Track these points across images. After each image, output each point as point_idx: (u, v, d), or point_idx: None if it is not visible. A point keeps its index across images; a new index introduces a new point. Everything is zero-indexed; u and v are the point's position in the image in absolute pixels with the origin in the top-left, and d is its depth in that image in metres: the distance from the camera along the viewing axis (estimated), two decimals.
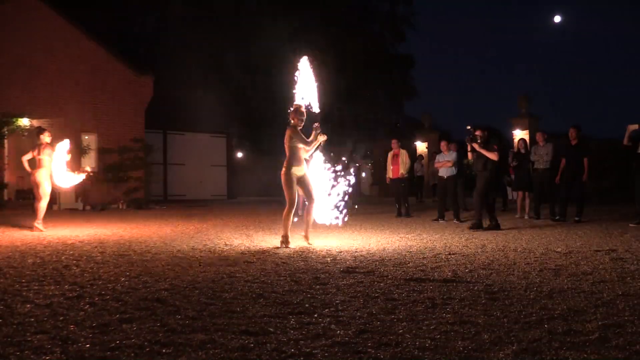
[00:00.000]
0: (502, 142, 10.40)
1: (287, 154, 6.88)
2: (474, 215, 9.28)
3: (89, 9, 21.31)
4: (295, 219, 7.36)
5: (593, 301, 3.75)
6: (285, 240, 6.83)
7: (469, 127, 9.20)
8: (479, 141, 9.04)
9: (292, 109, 6.99)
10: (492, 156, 8.89)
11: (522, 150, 11.64)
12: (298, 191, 7.01)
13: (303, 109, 7.01)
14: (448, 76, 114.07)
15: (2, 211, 13.90)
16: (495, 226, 8.89)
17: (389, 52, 30.01)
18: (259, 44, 25.15)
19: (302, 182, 6.94)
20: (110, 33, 20.78)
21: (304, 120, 6.97)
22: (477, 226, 8.90)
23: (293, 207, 6.85)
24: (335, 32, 25.94)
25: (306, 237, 7.06)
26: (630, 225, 9.06)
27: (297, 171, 6.87)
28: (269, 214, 13.32)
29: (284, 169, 6.87)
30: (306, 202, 7.17)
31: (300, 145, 6.86)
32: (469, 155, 9.47)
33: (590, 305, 3.63)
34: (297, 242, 7.00)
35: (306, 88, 7.21)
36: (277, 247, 6.73)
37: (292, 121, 6.92)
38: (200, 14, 25.69)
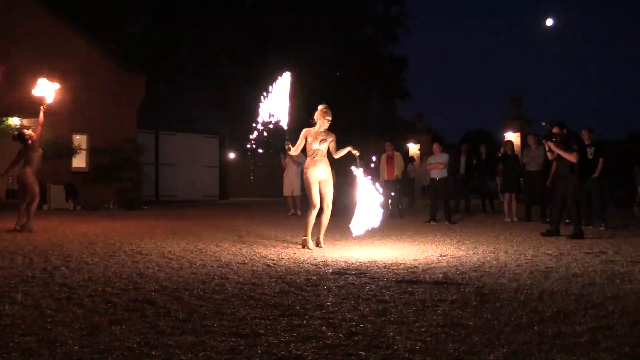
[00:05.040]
0: (580, 141, 9.38)
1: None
2: (573, 226, 8.13)
3: (81, 8, 21.18)
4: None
5: (583, 303, 3.77)
6: (304, 243, 6.77)
7: (544, 124, 8.32)
8: (554, 139, 8.13)
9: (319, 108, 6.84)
10: (570, 157, 8.00)
11: (509, 152, 11.71)
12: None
13: (325, 109, 6.80)
14: (441, 77, 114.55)
15: None
16: (555, 231, 8.14)
17: (382, 54, 30.08)
18: (251, 44, 25.15)
19: (321, 185, 6.77)
20: (102, 32, 20.65)
21: (325, 120, 6.75)
22: (578, 236, 7.82)
23: (313, 208, 6.72)
24: (328, 33, 25.97)
25: (317, 241, 6.91)
26: (540, 233, 8.35)
27: (313, 172, 6.73)
28: (261, 215, 13.31)
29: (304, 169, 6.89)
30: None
31: (314, 147, 6.76)
32: (548, 155, 8.59)
33: (580, 308, 3.64)
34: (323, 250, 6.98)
35: (279, 103, 6.90)
36: (269, 249, 6.72)
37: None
38: (193, 14, 25.63)
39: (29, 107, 15.95)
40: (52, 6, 17.19)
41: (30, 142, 8.97)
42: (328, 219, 6.94)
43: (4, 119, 15.54)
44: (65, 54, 16.87)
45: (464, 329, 3.13)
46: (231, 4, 26.24)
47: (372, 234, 8.48)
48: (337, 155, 6.88)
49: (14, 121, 15.57)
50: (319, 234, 6.98)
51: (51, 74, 16.39)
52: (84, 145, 17.34)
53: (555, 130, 8.22)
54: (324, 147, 6.80)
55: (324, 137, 6.79)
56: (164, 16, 25.85)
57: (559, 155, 8.14)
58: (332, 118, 6.83)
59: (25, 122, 15.38)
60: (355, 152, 6.79)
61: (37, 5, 16.68)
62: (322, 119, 6.78)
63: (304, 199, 7.79)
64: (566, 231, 8.26)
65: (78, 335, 2.99)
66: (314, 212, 6.76)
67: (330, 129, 6.89)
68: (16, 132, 9.39)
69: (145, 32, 26.55)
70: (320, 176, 6.77)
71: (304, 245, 6.78)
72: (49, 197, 15.59)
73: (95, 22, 20.79)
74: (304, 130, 6.86)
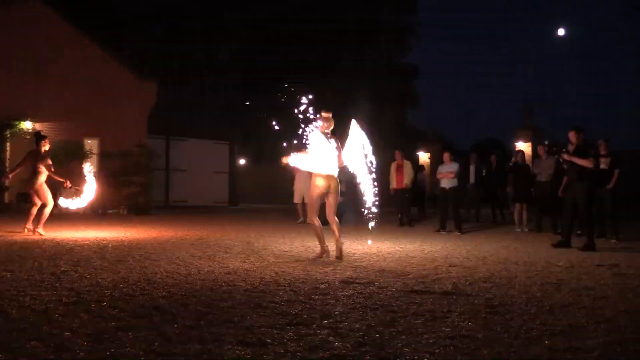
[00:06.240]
0: (596, 149, 9.15)
1: None
2: (585, 237, 8.00)
3: (93, 14, 21.40)
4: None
5: (594, 317, 3.71)
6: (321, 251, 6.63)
7: (546, 143, 8.27)
8: (565, 150, 8.02)
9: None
10: (586, 163, 7.82)
11: (520, 162, 11.63)
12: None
13: (326, 115, 6.61)
14: (452, 86, 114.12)
15: (2, 214, 13.89)
16: (566, 243, 7.99)
17: (393, 63, 30.09)
18: (262, 52, 25.28)
19: (327, 192, 6.56)
20: (114, 38, 20.86)
21: (325, 125, 6.58)
22: (590, 248, 7.69)
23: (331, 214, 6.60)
24: (341, 43, 26.07)
25: (336, 252, 6.58)
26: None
27: (319, 180, 6.54)
28: (270, 222, 13.30)
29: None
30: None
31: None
32: (564, 166, 8.47)
33: (592, 322, 3.58)
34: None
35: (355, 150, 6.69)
36: (278, 256, 6.71)
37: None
38: (205, 21, 25.82)
39: (41, 112, 16.19)
40: (67, 14, 17.39)
41: (42, 151, 9.08)
42: (333, 226, 6.63)
43: (17, 122, 15.71)
44: (78, 60, 17.08)
45: (473, 342, 3.09)
46: (242, 12, 26.38)
47: (382, 243, 8.44)
48: (339, 166, 6.65)
49: (26, 125, 15.72)
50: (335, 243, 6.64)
51: (65, 80, 16.61)
52: (95, 150, 17.47)
53: (570, 135, 8.09)
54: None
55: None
56: (176, 23, 26.04)
57: (569, 161, 8.03)
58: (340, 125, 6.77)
59: (37, 126, 15.53)
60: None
61: (51, 12, 16.89)
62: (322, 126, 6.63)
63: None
64: (578, 243, 8.16)
65: (84, 341, 2.98)
66: (331, 218, 6.62)
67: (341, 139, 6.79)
68: (38, 131, 9.48)
69: (157, 38, 26.76)
70: (321, 186, 6.58)
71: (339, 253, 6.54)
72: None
73: (108, 30, 20.98)
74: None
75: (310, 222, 6.66)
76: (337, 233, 6.55)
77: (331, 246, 6.68)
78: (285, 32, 26.16)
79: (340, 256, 6.46)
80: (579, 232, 9.41)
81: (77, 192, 9.56)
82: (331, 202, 6.58)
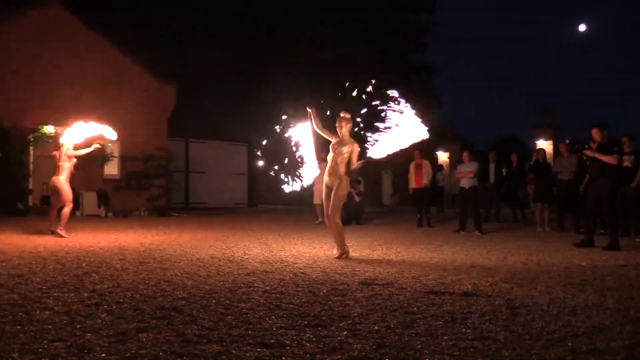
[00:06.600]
0: (620, 146, 8.88)
1: None
2: (609, 236, 7.91)
3: (113, 17, 21.68)
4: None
5: (619, 319, 3.64)
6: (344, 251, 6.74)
7: (567, 141, 8.30)
8: (588, 147, 7.92)
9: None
10: (610, 160, 7.68)
11: (541, 161, 11.48)
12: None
13: (343, 115, 6.82)
14: (470, 84, 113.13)
15: (27, 217, 14.14)
16: (589, 242, 7.86)
17: (411, 62, 29.96)
18: (281, 53, 25.34)
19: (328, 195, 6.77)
20: (134, 42, 21.10)
21: (339, 127, 6.77)
22: (614, 247, 7.57)
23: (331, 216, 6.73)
24: (358, 41, 26.00)
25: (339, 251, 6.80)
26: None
27: (322, 181, 6.85)
28: (289, 224, 13.32)
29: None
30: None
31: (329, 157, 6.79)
32: (587, 163, 8.38)
33: (616, 323, 3.51)
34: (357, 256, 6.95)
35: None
36: (296, 257, 6.72)
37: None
38: (224, 25, 25.98)
39: (63, 116, 16.42)
40: (87, 18, 17.64)
41: (65, 149, 9.17)
42: (332, 229, 6.79)
43: (40, 127, 15.98)
44: (99, 64, 17.30)
45: (494, 343, 3.05)
46: (261, 14, 26.49)
47: (401, 243, 8.40)
48: (352, 168, 6.73)
49: (49, 129, 15.98)
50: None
51: (86, 84, 16.85)
52: (116, 153, 17.69)
53: (594, 132, 7.95)
54: (335, 158, 6.71)
55: (338, 147, 6.72)
56: (195, 26, 26.26)
57: (591, 158, 7.92)
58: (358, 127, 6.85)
59: (60, 130, 15.74)
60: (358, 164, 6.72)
61: (72, 16, 17.14)
62: (337, 128, 6.82)
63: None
64: (601, 242, 8.02)
65: (106, 342, 3.02)
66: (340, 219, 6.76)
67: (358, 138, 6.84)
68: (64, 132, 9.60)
69: (176, 41, 27.01)
70: (328, 186, 6.78)
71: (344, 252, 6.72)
72: (82, 204, 15.94)
73: (128, 33, 21.23)
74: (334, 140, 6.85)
75: (334, 222, 6.70)
76: (334, 235, 6.83)
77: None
78: (302, 33, 26.20)
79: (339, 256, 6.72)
80: (602, 231, 9.25)
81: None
82: (328, 202, 6.78)
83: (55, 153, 9.35)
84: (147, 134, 18.01)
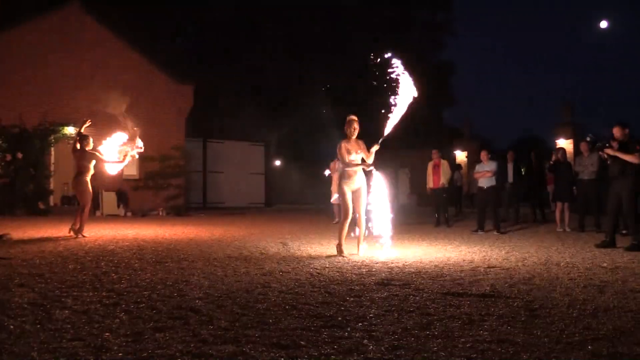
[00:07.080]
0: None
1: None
2: (631, 237, 7.84)
3: (131, 18, 21.89)
4: (352, 234, 7.31)
5: None
6: (339, 250, 6.89)
7: (589, 139, 8.26)
8: (608, 145, 7.82)
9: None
10: (631, 159, 7.60)
11: (561, 160, 11.31)
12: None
13: (352, 118, 6.95)
14: (489, 82, 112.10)
15: (48, 217, 14.36)
16: (611, 243, 7.73)
17: (428, 59, 29.79)
18: (297, 52, 25.39)
19: (354, 195, 6.91)
20: (152, 42, 21.31)
21: (354, 129, 6.89)
22: (636, 248, 7.40)
23: (346, 218, 6.91)
24: (374, 42, 25.95)
25: (357, 248, 7.04)
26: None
27: (347, 184, 6.90)
28: (306, 223, 13.32)
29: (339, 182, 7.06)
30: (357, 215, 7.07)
31: (350, 158, 6.85)
32: (607, 162, 8.21)
33: (638, 326, 3.44)
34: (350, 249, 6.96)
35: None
36: (313, 257, 6.71)
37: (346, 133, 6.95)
38: (241, 24, 26.11)
39: (84, 117, 16.63)
40: (106, 19, 17.85)
41: (86, 150, 9.23)
42: (364, 228, 7.05)
43: (60, 128, 16.21)
44: (118, 65, 17.51)
45: (512, 346, 3.01)
46: (277, 12, 26.57)
47: (418, 244, 8.35)
48: (369, 161, 6.91)
49: (70, 130, 16.20)
50: (357, 243, 7.06)
51: (105, 85, 17.05)
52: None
53: (615, 130, 7.84)
54: (358, 158, 6.90)
55: (356, 148, 6.88)
56: (213, 26, 26.42)
57: (612, 157, 7.80)
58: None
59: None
60: (375, 147, 6.86)
61: (91, 19, 17.37)
62: (348, 130, 6.90)
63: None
64: (622, 242, 7.88)
65: (123, 342, 3.05)
66: (347, 222, 6.93)
67: (376, 138, 6.89)
68: (79, 131, 9.67)
69: (194, 42, 27.23)
70: (354, 186, 6.89)
71: (339, 251, 6.87)
72: (101, 204, 16.14)
73: (146, 34, 21.45)
74: (342, 142, 6.91)
75: (347, 218, 6.92)
76: (361, 233, 7.05)
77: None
78: (319, 31, 26.22)
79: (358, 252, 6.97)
80: (624, 231, 9.08)
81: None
82: (359, 202, 6.96)
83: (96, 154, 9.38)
84: (165, 134, 18.16)
